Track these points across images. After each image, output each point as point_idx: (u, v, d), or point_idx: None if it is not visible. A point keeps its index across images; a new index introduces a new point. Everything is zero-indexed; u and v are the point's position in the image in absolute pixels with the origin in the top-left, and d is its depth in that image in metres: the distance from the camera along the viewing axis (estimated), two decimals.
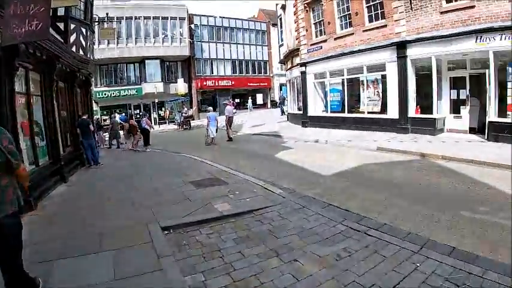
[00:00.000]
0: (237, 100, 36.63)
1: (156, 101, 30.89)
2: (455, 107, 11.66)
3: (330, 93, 15.49)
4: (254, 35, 39.06)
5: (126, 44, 29.60)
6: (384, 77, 12.99)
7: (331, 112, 15.64)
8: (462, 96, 11.41)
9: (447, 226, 4.39)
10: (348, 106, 14.76)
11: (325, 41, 15.35)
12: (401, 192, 5.89)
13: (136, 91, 30.77)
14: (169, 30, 31.38)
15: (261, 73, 39.72)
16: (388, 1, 12.39)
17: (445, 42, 10.84)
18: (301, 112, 17.90)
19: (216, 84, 35.49)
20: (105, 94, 29.97)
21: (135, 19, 29.75)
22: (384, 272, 3.19)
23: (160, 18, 30.94)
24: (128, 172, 9.00)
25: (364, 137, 12.21)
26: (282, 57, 21.94)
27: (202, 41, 34.72)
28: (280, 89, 38.76)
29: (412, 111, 12.20)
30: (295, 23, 17.31)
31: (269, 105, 38.61)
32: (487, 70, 10.31)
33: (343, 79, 14.75)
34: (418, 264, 3.28)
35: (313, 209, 5.03)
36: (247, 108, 34.61)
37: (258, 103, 37.90)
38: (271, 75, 40.09)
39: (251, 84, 38.29)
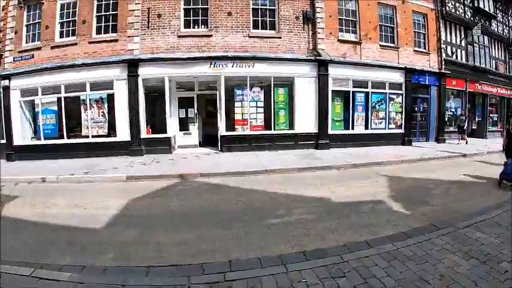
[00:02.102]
0: None
1: None
2: (183, 124, 12.27)
3: (43, 115, 11.83)
4: None
5: None
6: (110, 96, 11.41)
7: (45, 139, 11.85)
8: (190, 115, 12.24)
9: (281, 238, 4.42)
10: (67, 130, 11.69)
11: (39, 48, 11.97)
12: (203, 222, 5.19)
13: None
14: None
15: None
16: (123, 15, 11.42)
17: (181, 64, 11.21)
18: (1, 141, 12.59)
19: None
20: None
21: None
22: None
23: None
24: None
25: (98, 165, 9.79)
26: None
27: None
28: None
29: (144, 131, 11.41)
30: (1, 21, 12.80)
31: None
32: (217, 92, 11.59)
33: (59, 97, 11.70)
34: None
35: (138, 281, 3.44)
36: None
37: None
38: None
39: None
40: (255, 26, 12.01)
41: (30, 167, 10.61)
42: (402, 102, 14.19)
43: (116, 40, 11.47)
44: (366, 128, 13.51)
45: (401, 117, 14.23)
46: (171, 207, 6.09)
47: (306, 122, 12.27)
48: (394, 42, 14.10)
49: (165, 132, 11.41)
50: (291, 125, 12.33)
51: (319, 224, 4.86)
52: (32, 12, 12.52)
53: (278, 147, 11.81)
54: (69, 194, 7.47)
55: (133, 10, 11.47)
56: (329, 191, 6.69)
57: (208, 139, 12.43)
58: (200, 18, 11.76)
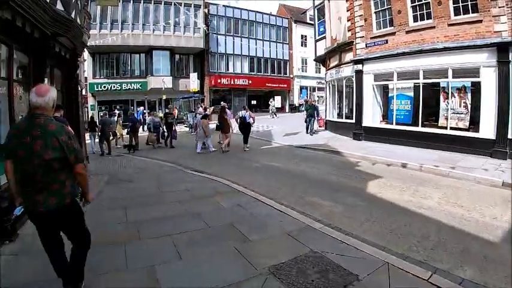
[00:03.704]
0: (254, 102, 33.99)
1: (164, 97, 27.37)
2: None
3: (397, 100, 12.55)
4: (275, 31, 35.67)
5: (132, 30, 26.08)
6: (475, 84, 10.34)
7: (396, 124, 12.63)
8: None
9: None
10: (421, 118, 11.80)
11: (392, 33, 12.44)
12: None
13: (140, 85, 27.59)
14: (182, 17, 27.84)
15: (281, 73, 36.36)
16: None
17: None
18: (349, 121, 15.06)
19: (232, 82, 32.37)
20: (104, 87, 26.76)
21: (144, 1, 26.33)
22: None
23: (173, 3, 27.32)
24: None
25: (457, 161, 9.40)
26: (323, 52, 17.99)
27: (218, 34, 31.45)
28: (300, 92, 36.61)
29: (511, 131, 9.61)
30: (348, 11, 14.34)
31: (287, 109, 35.95)
32: None
33: (416, 83, 11.88)
34: None
35: None
36: (266, 111, 30.85)
37: (275, 106, 35.47)
38: (291, 76, 37.04)
39: (269, 85, 35.15)
40: None
41: (379, 148, 11.68)
42: None
43: (479, 21, 9.90)
44: None
45: None
46: None
47: None
48: None
49: None
50: None
51: None
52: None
53: None
54: (440, 188, 7.16)
55: None
56: None
57: None
58: None
